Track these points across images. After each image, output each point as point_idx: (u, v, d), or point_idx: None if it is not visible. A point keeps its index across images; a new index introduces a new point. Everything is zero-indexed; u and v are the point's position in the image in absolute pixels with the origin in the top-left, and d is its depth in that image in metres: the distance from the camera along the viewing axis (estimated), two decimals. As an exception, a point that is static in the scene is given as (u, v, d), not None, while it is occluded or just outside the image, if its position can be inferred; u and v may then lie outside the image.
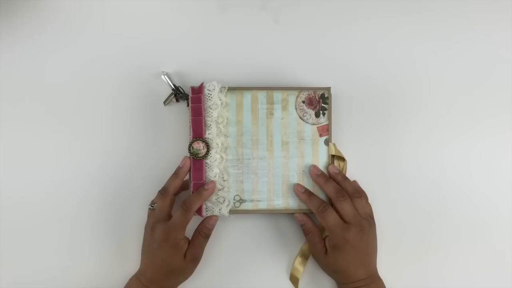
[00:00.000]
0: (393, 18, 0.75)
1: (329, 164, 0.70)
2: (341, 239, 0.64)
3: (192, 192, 0.68)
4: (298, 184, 0.69)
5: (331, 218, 0.65)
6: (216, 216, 0.69)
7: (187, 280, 0.69)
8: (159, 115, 0.73)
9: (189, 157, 0.68)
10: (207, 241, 0.69)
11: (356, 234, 0.64)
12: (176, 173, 0.68)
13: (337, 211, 0.66)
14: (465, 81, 0.74)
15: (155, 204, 0.68)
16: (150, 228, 0.67)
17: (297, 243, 0.73)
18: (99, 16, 0.74)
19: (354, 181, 0.71)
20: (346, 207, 0.66)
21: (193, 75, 0.74)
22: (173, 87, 0.72)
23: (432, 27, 0.75)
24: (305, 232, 0.69)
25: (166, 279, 0.67)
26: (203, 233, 0.68)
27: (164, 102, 0.72)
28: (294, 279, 0.72)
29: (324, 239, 0.68)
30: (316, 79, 0.73)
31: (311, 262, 0.72)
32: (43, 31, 0.74)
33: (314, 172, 0.69)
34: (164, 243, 0.65)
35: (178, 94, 0.72)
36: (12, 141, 0.73)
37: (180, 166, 0.68)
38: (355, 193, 0.67)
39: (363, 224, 0.65)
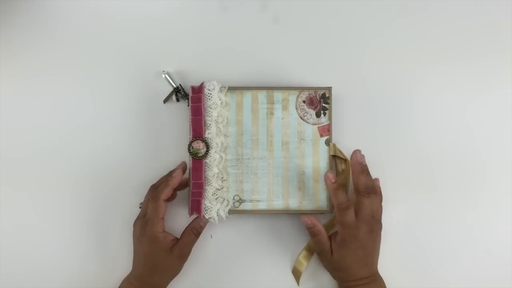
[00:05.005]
0: (395, 18, 0.75)
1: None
2: (351, 237, 0.64)
3: (192, 192, 0.68)
4: (331, 173, 0.66)
5: (349, 216, 0.64)
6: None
7: (188, 279, 0.69)
8: (159, 115, 0.73)
9: (181, 170, 0.68)
10: (196, 240, 0.68)
11: (366, 233, 0.65)
12: (166, 181, 0.67)
13: (355, 204, 0.65)
14: (465, 78, 0.74)
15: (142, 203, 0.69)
16: (134, 224, 0.68)
17: (297, 243, 0.72)
18: (100, 16, 0.74)
19: (376, 179, 0.69)
20: (366, 205, 0.65)
21: (193, 75, 0.73)
22: (174, 86, 0.72)
23: (434, 28, 0.75)
24: (314, 234, 0.67)
25: (149, 275, 0.66)
26: (195, 230, 0.68)
27: (164, 100, 0.72)
28: (296, 272, 0.71)
29: (330, 237, 0.67)
30: (317, 79, 0.73)
31: (314, 258, 0.72)
32: (43, 31, 0.73)
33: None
34: (142, 237, 0.66)
35: (179, 92, 0.71)
36: (11, 134, 0.73)
37: (173, 175, 0.67)
38: (373, 190, 0.66)
39: (374, 226, 0.65)
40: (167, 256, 0.66)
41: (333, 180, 0.66)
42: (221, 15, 0.75)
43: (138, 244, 0.67)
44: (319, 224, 0.67)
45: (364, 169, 0.67)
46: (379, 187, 0.69)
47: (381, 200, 0.68)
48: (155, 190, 0.67)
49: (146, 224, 0.66)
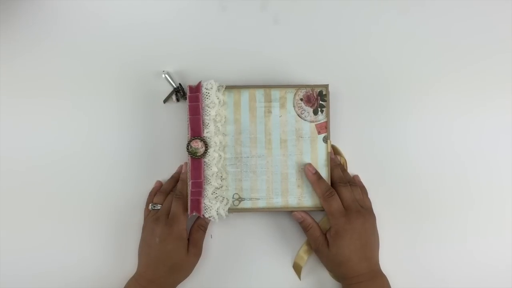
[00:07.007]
0: (391, 17, 0.75)
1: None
2: (343, 225, 0.65)
3: (191, 191, 0.68)
4: (310, 164, 0.69)
5: (335, 204, 0.67)
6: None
7: (188, 278, 0.69)
8: (158, 115, 0.74)
9: (181, 168, 0.72)
10: (204, 236, 0.71)
11: (356, 219, 0.65)
12: (181, 179, 0.71)
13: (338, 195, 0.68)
14: (465, 78, 0.74)
15: (157, 205, 0.69)
16: (152, 224, 0.68)
17: (297, 240, 0.72)
18: (100, 16, 0.75)
19: (356, 176, 0.73)
20: (346, 192, 0.67)
21: (193, 75, 0.74)
22: (174, 85, 0.72)
23: (429, 24, 0.74)
24: (306, 228, 0.69)
25: (168, 275, 0.67)
26: (202, 226, 0.70)
27: (164, 100, 0.73)
28: (297, 267, 0.72)
29: (325, 234, 0.68)
30: (313, 77, 0.73)
31: (314, 254, 0.72)
32: (43, 30, 0.74)
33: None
34: (168, 236, 0.66)
35: (179, 92, 0.72)
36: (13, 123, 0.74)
37: (182, 172, 0.72)
38: (350, 182, 0.70)
39: (362, 211, 0.67)
40: (186, 255, 0.67)
41: (314, 171, 0.68)
42: (221, 15, 0.75)
43: (161, 243, 0.66)
44: (309, 218, 0.69)
45: (338, 164, 0.71)
46: (360, 182, 0.72)
47: (365, 193, 0.71)
48: (176, 191, 0.70)
49: (173, 222, 0.67)
